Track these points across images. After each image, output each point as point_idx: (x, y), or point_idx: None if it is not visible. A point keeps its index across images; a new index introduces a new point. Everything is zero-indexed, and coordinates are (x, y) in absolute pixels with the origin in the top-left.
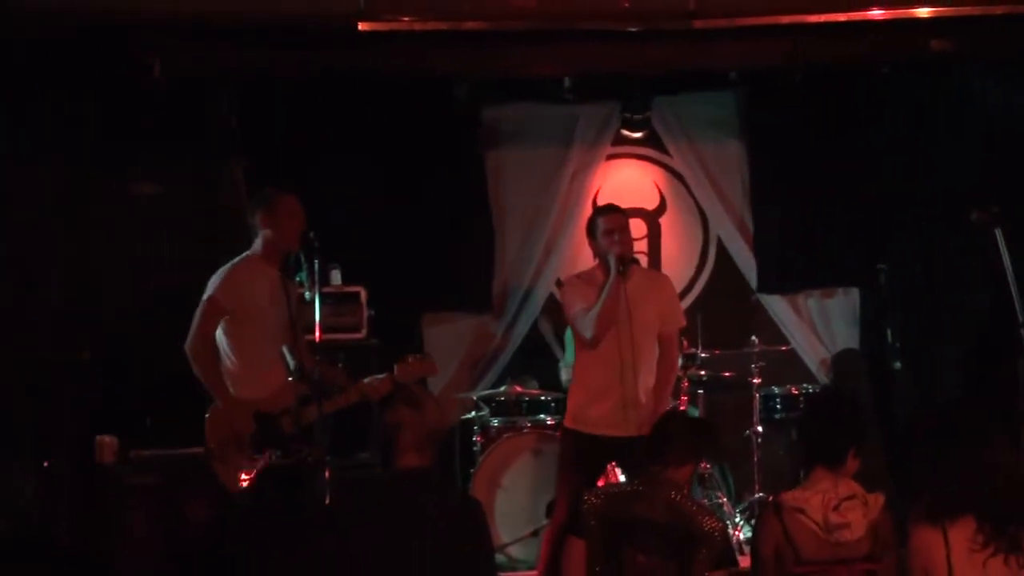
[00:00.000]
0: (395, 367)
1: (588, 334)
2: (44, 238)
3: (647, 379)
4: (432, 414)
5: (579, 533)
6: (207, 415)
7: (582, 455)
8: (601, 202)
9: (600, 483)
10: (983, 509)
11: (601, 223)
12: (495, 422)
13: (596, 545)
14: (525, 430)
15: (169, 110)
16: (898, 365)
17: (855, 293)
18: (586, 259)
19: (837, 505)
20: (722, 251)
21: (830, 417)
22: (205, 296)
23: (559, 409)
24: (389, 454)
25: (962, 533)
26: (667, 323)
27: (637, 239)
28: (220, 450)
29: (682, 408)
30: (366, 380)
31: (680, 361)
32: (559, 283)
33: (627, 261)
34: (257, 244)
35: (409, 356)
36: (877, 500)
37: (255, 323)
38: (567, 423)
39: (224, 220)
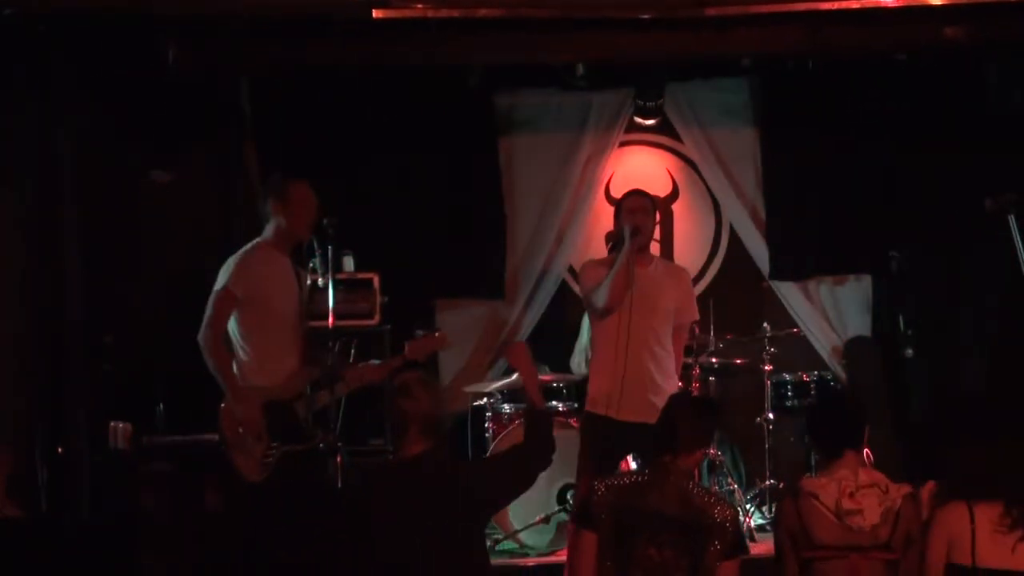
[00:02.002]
0: (405, 345)
1: (601, 303)
2: (59, 225)
3: (659, 366)
4: (435, 402)
5: (588, 525)
6: (222, 405)
7: (599, 439)
8: (614, 189)
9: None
10: (1014, 494)
11: (625, 204)
12: (506, 408)
13: (607, 538)
14: None
15: (183, 99)
16: (910, 353)
17: (867, 280)
18: (598, 245)
19: (853, 492)
20: (734, 238)
21: (839, 407)
22: (217, 287)
23: (571, 395)
24: (399, 441)
25: (988, 514)
26: (680, 316)
27: None
28: (238, 440)
29: (709, 395)
30: (374, 362)
31: (690, 348)
32: (572, 270)
33: (637, 232)
34: (268, 231)
35: (419, 332)
36: (900, 490)
37: (267, 311)
38: (588, 407)
39: (238, 208)
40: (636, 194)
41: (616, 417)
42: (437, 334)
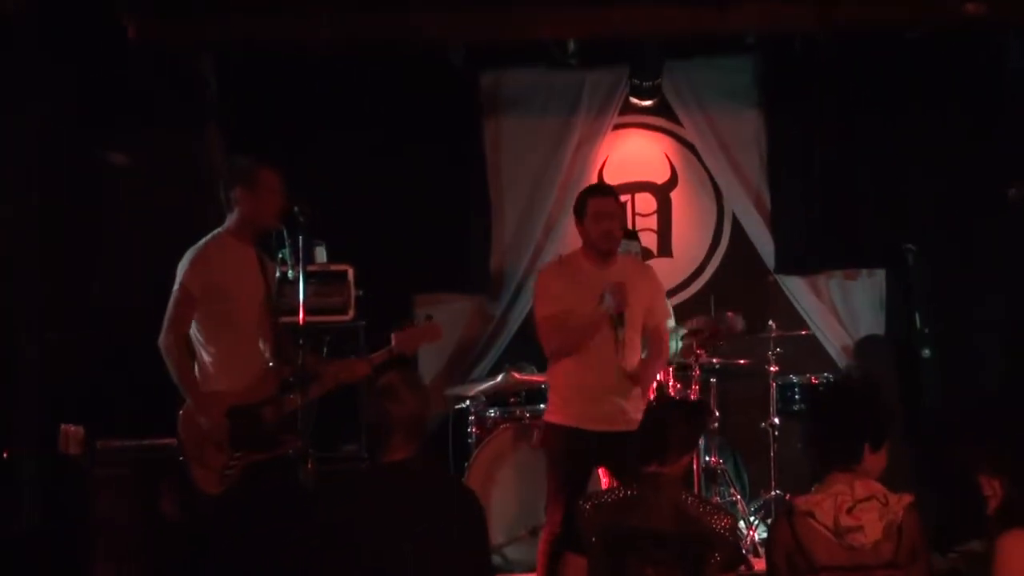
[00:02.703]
0: (392, 336)
1: (547, 349)
2: (10, 212)
3: (630, 370)
4: (421, 403)
5: (575, 549)
6: (181, 412)
7: (565, 453)
8: (608, 175)
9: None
10: None
11: (591, 205)
12: (491, 412)
13: (598, 562)
14: (523, 421)
15: (145, 77)
16: (927, 353)
17: (881, 275)
18: None
19: (851, 507)
20: (737, 228)
21: (837, 413)
22: (176, 285)
23: None
24: (377, 447)
25: None
26: (653, 315)
27: (645, 215)
28: (196, 451)
29: (693, 398)
30: (352, 358)
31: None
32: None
33: (623, 320)
34: (231, 220)
35: (409, 321)
36: (900, 500)
37: (230, 308)
38: (548, 417)
39: (202, 195)
40: (603, 192)
41: (583, 427)
42: (427, 323)
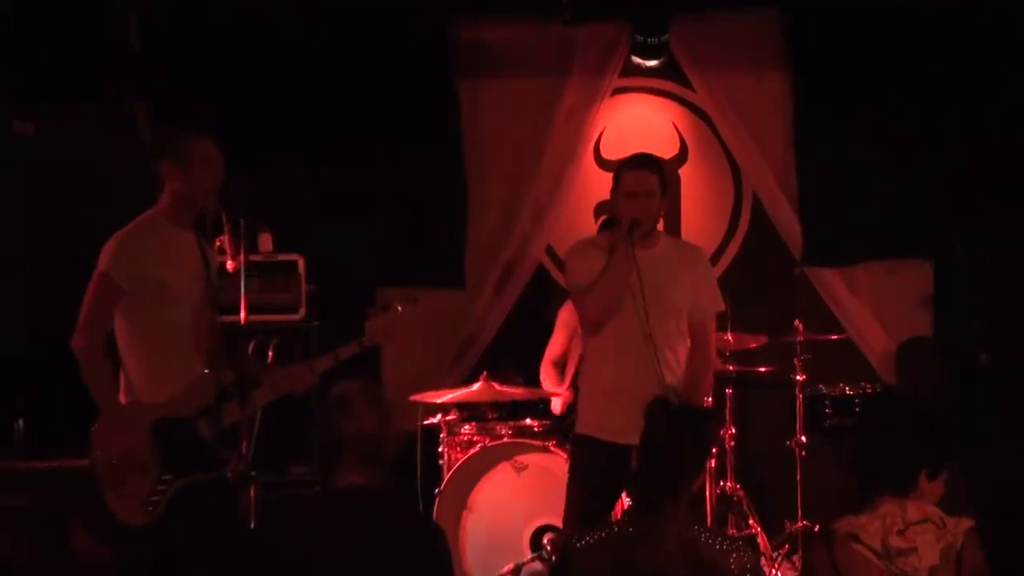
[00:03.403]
0: (367, 324)
1: (587, 313)
2: None
3: (672, 374)
4: (381, 419)
5: None
6: (94, 429)
7: (594, 470)
8: (606, 149)
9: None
10: None
11: (626, 180)
12: (467, 428)
13: None
14: (505, 439)
15: (57, 33)
16: (984, 358)
17: (928, 267)
18: (586, 220)
19: (903, 529)
20: (758, 211)
21: (891, 432)
22: (96, 274)
23: (550, 412)
24: (329, 469)
25: None
26: (699, 308)
27: None
28: (113, 476)
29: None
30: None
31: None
32: (551, 251)
33: (639, 225)
34: (162, 200)
35: (384, 306)
36: (959, 524)
37: (162, 302)
38: (578, 428)
39: (123, 171)
40: (639, 167)
41: (617, 440)
42: (400, 309)
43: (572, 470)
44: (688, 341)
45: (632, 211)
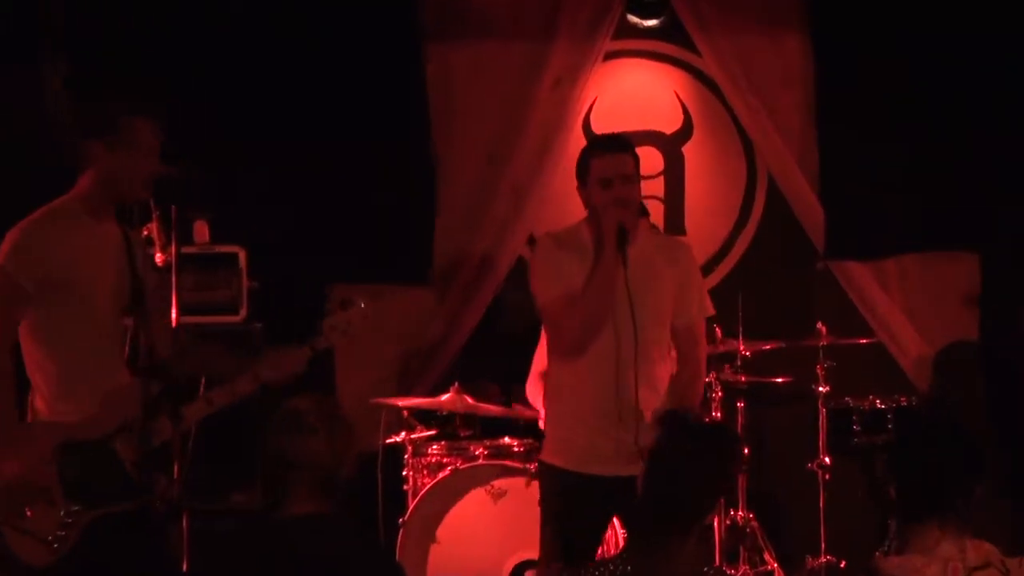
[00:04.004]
0: (323, 324)
1: (568, 338)
2: None
3: (655, 391)
4: (337, 439)
5: None
6: None
7: (568, 506)
8: (597, 122)
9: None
10: None
11: (595, 165)
12: (435, 447)
13: None
14: (480, 460)
15: None
16: None
17: (972, 261)
18: (574, 205)
19: None
20: (775, 196)
21: (932, 448)
22: None
23: (531, 430)
24: (275, 496)
25: None
26: (686, 310)
27: (650, 177)
28: (8, 509)
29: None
30: (262, 357)
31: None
32: (531, 242)
33: (627, 235)
34: (81, 184)
35: (344, 301)
36: (1022, 566)
37: (73, 303)
38: (544, 456)
39: (33, 150)
40: (610, 148)
41: (590, 472)
42: (370, 306)
43: (543, 504)
44: (670, 354)
45: (610, 202)
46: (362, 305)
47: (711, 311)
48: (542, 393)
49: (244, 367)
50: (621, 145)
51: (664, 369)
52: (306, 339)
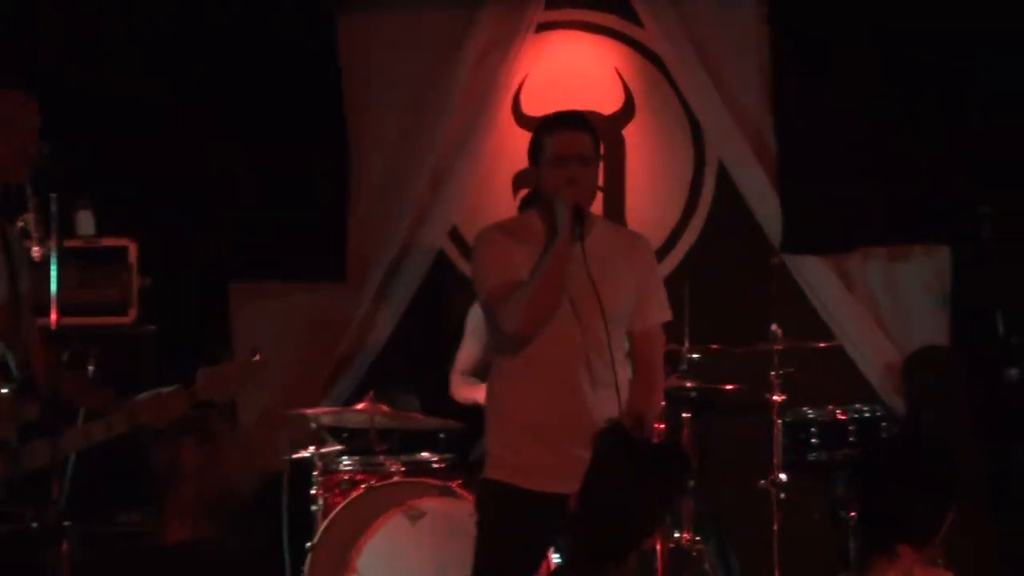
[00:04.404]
0: (198, 374)
1: (511, 327)
2: None
3: (599, 395)
4: (228, 460)
5: None
6: None
7: (515, 526)
8: (528, 102)
9: None
10: None
11: (549, 143)
12: (347, 464)
13: None
14: (396, 478)
15: None
16: (1015, 374)
17: (944, 254)
18: (501, 195)
19: None
20: (725, 184)
21: (900, 470)
22: None
23: (454, 444)
24: (158, 519)
25: None
26: (645, 313)
27: None
28: None
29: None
30: (141, 398)
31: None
32: (457, 235)
33: (584, 217)
34: None
35: (227, 355)
36: None
37: None
38: (488, 473)
39: None
40: (567, 124)
41: (542, 489)
42: (254, 361)
43: (481, 525)
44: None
45: (564, 182)
46: (240, 362)
47: (669, 316)
48: (465, 385)
49: (116, 404)
50: (580, 123)
51: (625, 375)
52: (176, 387)
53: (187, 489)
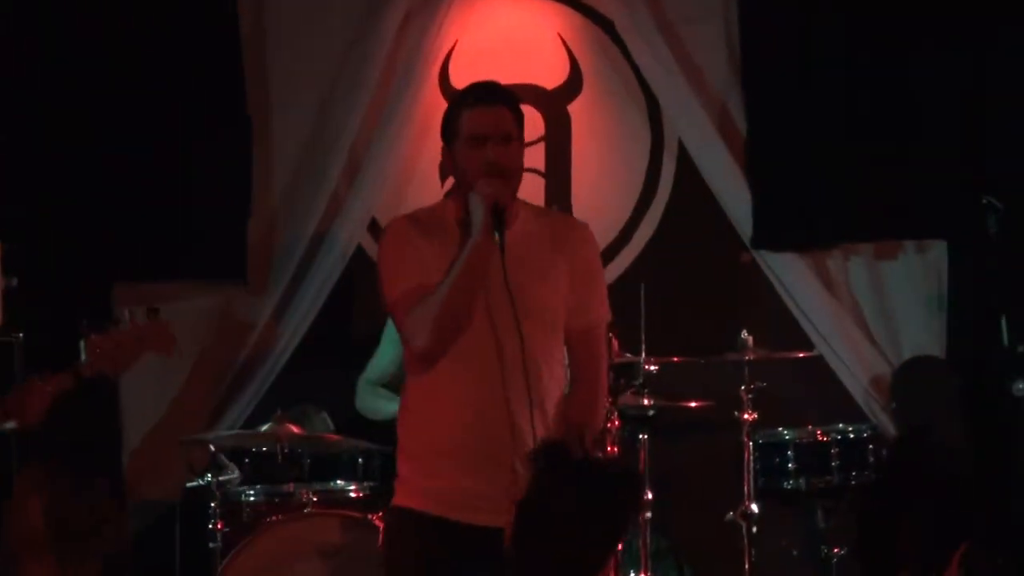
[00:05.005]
0: (85, 344)
1: (419, 341)
2: None
3: (546, 416)
4: (68, 507)
5: None
6: None
7: (427, 562)
8: (457, 74)
9: None
10: None
11: (465, 123)
12: (252, 494)
13: None
14: (308, 509)
15: None
16: (1021, 388)
17: (940, 251)
18: (426, 182)
19: None
20: (687, 169)
21: (902, 502)
22: None
23: (375, 470)
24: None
25: None
26: (584, 310)
27: (528, 144)
28: None
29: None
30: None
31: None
32: (376, 228)
33: (503, 212)
34: None
35: (117, 320)
36: None
37: None
38: (398, 500)
39: None
40: (482, 99)
41: (456, 518)
42: (150, 322)
43: (390, 561)
44: (563, 364)
45: (482, 167)
46: (138, 321)
47: (609, 316)
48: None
49: None
50: (500, 96)
51: (556, 386)
52: (70, 364)
53: (33, 543)
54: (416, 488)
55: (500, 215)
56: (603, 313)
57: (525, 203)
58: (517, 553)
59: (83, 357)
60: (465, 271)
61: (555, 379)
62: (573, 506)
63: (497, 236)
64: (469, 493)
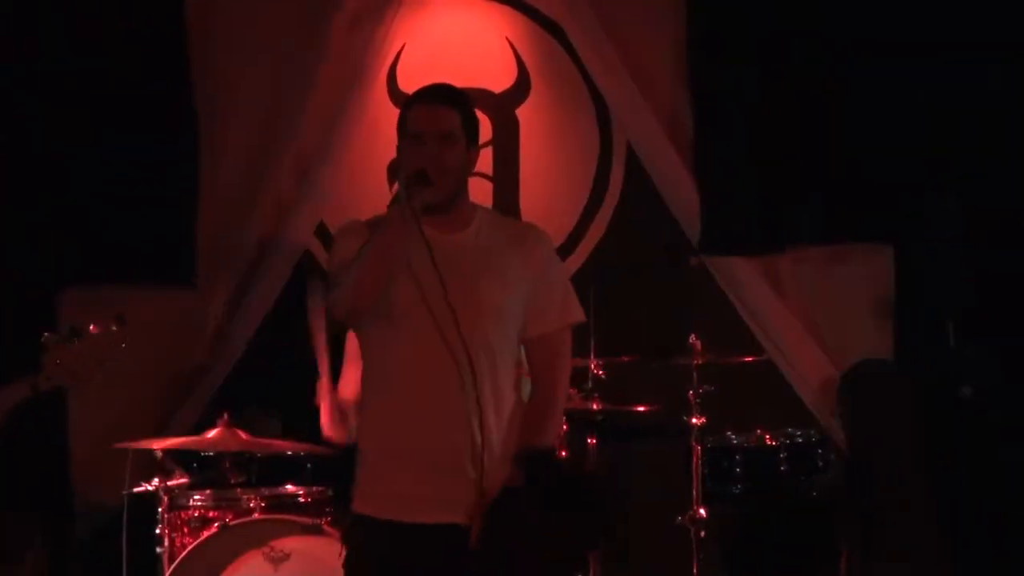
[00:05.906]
0: (46, 359)
1: (340, 308)
2: None
3: (498, 415)
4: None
5: None
6: None
7: (387, 565)
8: (405, 77)
9: None
10: None
11: (408, 120)
12: (199, 498)
13: None
14: (256, 515)
15: None
16: (969, 392)
17: (887, 255)
18: (373, 184)
19: None
20: (636, 172)
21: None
22: None
23: (324, 474)
24: None
25: None
26: (541, 318)
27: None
28: None
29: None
30: None
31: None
32: (324, 232)
33: (425, 180)
34: None
35: (72, 331)
36: None
37: None
38: (357, 506)
39: None
40: (429, 99)
41: (412, 520)
42: (115, 330)
43: (348, 567)
44: (519, 368)
45: (414, 161)
46: (96, 333)
47: (580, 316)
48: (335, 414)
49: None
50: (443, 96)
51: (510, 389)
52: (26, 376)
53: None
54: (373, 494)
55: (422, 180)
56: (563, 318)
57: (483, 207)
58: (487, 550)
59: (44, 371)
60: (387, 231)
61: (509, 382)
62: (547, 521)
63: (420, 206)
64: (425, 495)
